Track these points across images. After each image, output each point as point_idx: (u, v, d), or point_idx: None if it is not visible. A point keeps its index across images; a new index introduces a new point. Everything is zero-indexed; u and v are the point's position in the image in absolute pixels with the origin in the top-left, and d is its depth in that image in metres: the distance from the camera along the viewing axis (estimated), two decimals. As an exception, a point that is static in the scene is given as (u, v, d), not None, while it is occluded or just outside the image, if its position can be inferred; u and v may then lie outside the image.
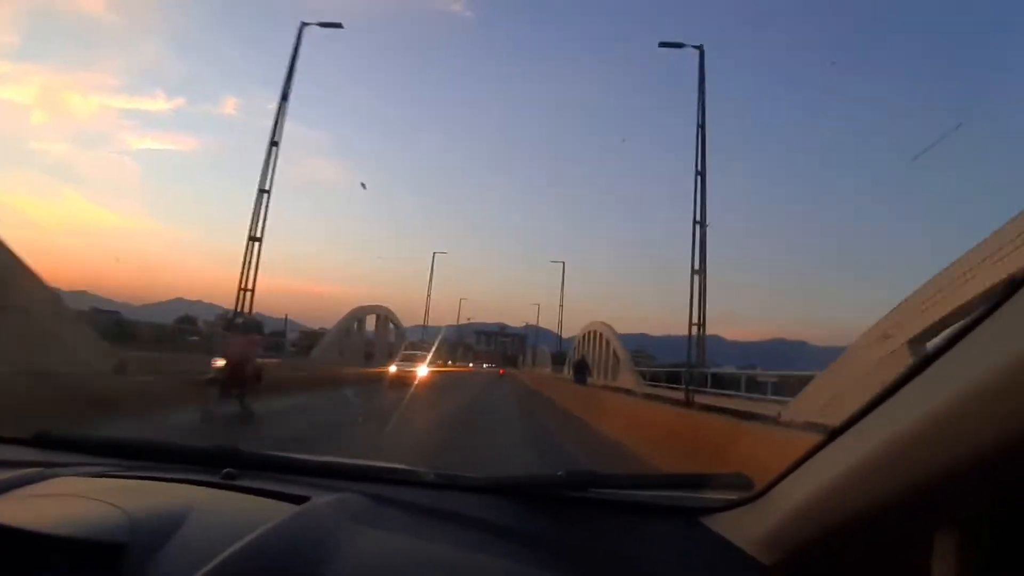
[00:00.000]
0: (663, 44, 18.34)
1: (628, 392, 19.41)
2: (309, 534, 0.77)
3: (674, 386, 18.21)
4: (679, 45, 18.33)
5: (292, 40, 18.31)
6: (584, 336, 32.48)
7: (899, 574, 0.68)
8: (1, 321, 7.41)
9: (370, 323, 34.34)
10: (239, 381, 7.54)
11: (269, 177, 17.66)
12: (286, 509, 0.84)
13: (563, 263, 47.02)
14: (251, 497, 0.94)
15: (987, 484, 0.51)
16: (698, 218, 17.26)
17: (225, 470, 1.05)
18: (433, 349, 27.32)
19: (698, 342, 17.10)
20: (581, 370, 22.33)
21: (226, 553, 0.66)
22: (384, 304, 36.51)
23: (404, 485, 1.13)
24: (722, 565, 0.87)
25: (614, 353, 26.44)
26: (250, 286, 17.33)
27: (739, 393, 13.89)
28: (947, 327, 6.66)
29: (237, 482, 1.02)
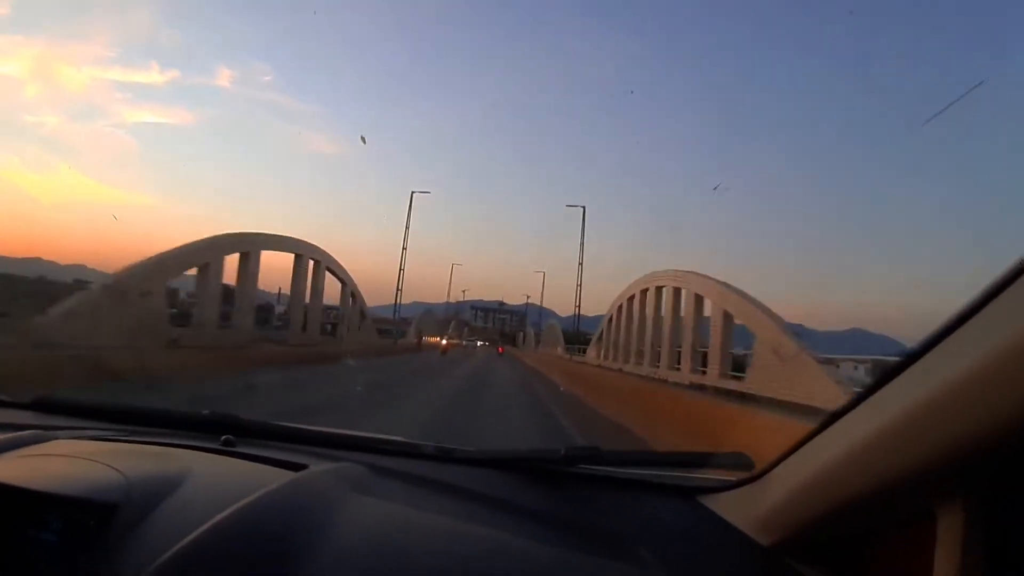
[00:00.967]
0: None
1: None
2: (305, 500, 0.77)
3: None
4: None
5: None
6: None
7: (898, 554, 0.68)
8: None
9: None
10: None
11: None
12: (284, 476, 0.84)
13: (583, 208, 37.40)
14: (249, 463, 0.94)
15: (987, 463, 0.52)
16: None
17: (224, 437, 1.06)
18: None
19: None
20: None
21: (220, 516, 0.66)
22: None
23: (403, 456, 1.13)
24: (720, 544, 0.87)
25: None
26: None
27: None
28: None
29: (236, 449, 1.02)
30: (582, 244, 36.60)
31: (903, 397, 0.56)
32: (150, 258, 12.61)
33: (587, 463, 1.07)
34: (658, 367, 16.03)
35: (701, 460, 1.08)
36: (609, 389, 10.59)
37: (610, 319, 22.37)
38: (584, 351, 28.40)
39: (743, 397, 10.32)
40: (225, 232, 16.13)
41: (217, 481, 0.83)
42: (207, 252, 14.69)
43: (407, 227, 34.23)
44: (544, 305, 62.59)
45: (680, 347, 14.96)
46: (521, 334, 76.38)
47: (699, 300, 14.18)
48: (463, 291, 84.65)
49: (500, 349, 51.32)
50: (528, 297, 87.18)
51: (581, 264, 35.97)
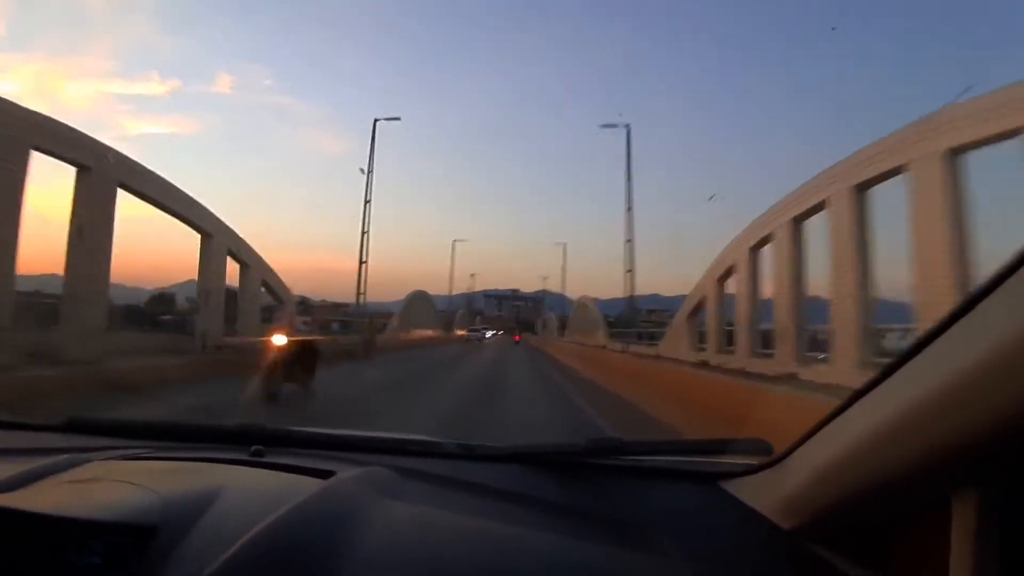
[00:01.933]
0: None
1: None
2: (335, 509, 0.78)
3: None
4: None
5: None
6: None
7: (919, 537, 0.68)
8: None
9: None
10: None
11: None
12: (313, 484, 0.87)
13: (628, 126, 23.47)
14: (278, 474, 0.97)
15: (1009, 446, 0.50)
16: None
17: (253, 447, 1.09)
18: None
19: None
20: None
21: (253, 531, 0.68)
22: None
23: (426, 456, 1.15)
24: (742, 529, 0.88)
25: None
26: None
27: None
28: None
29: (265, 459, 1.05)
30: (628, 174, 24.01)
31: (925, 377, 0.54)
32: None
33: (608, 454, 1.07)
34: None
35: (720, 446, 1.09)
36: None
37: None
38: (653, 338, 21.73)
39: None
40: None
41: (249, 495, 0.86)
42: None
43: (371, 156, 24.87)
44: (564, 293, 56.76)
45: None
46: (540, 320, 69.72)
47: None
48: (471, 275, 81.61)
49: (516, 337, 49.96)
50: (546, 278, 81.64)
51: (630, 208, 23.84)
